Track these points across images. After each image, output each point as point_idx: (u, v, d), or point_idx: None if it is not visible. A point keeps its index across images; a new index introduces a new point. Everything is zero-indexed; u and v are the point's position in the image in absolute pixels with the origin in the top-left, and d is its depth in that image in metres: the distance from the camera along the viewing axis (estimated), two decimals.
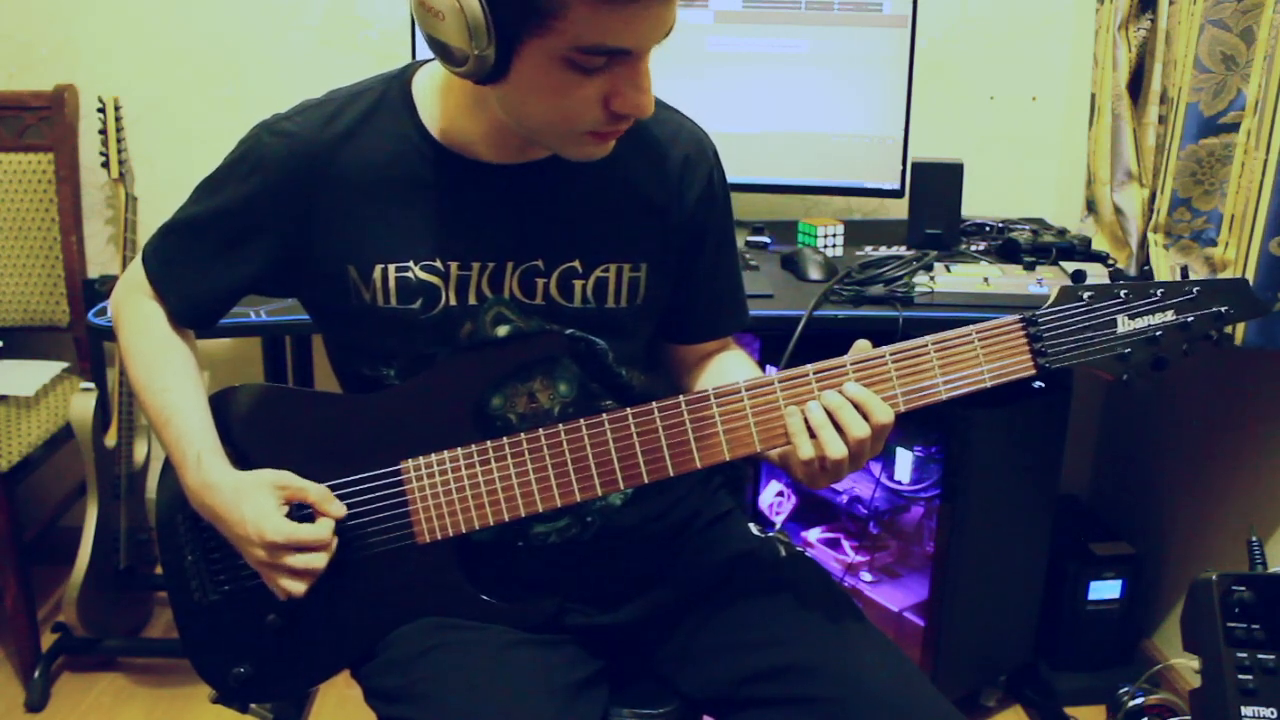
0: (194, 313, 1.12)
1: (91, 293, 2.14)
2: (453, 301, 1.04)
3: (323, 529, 1.01)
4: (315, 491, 1.03)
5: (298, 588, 1.01)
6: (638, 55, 0.90)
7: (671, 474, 1.02)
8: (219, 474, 1.03)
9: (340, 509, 1.04)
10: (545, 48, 0.87)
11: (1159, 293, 1.00)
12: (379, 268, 1.03)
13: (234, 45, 2.17)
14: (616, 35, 0.86)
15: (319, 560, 1.01)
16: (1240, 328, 1.56)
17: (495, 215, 1.04)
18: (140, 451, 2.13)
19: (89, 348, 2.16)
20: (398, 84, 1.05)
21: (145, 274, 1.12)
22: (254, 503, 1.01)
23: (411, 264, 1.03)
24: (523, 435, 1.04)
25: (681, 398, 1.01)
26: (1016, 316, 1.00)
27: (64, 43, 2.16)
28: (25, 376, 2.10)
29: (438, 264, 1.03)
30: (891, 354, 1.00)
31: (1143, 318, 1.00)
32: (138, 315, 1.12)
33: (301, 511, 1.03)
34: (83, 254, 2.16)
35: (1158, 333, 1.00)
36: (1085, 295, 1.00)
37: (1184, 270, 1.06)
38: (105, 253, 2.25)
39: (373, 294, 1.04)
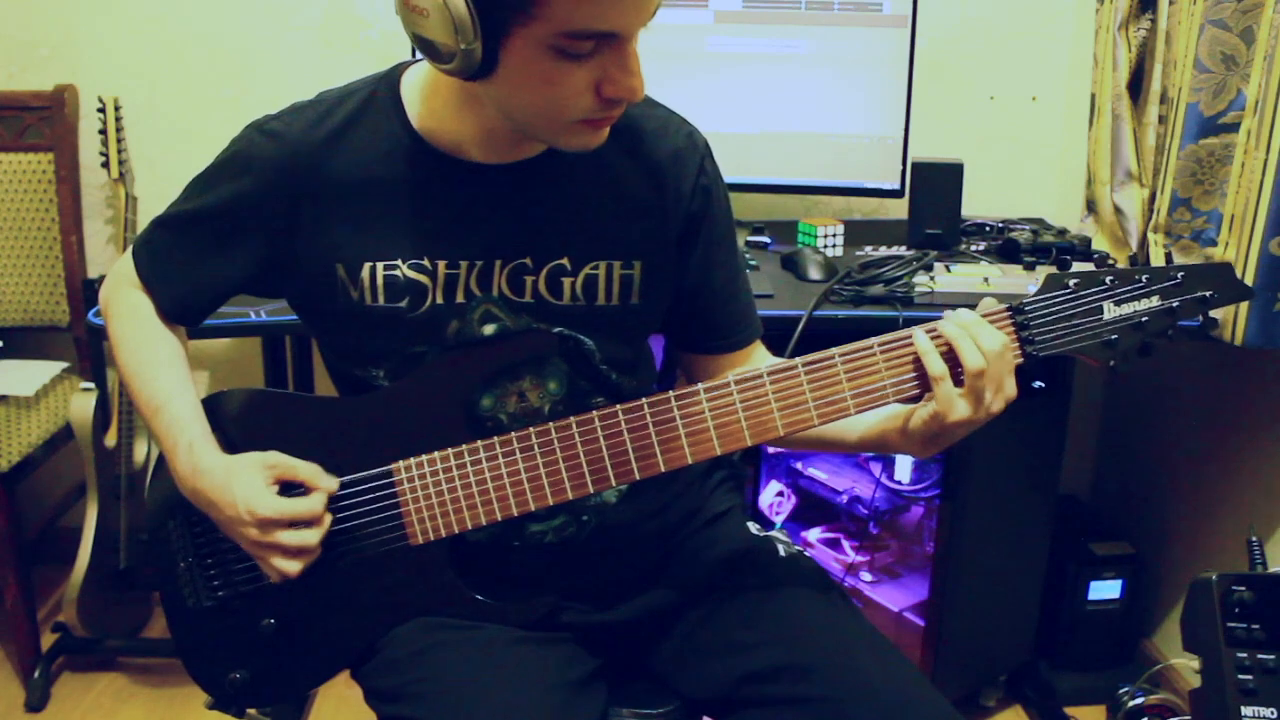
0: (181, 309, 1.12)
1: (91, 293, 2.14)
2: (440, 300, 1.04)
3: (315, 502, 1.01)
4: (305, 469, 1.03)
5: (292, 567, 1.01)
6: (625, 38, 0.89)
7: (663, 469, 1.02)
8: (209, 459, 1.03)
9: (332, 482, 1.04)
10: (531, 37, 0.86)
11: (1144, 279, 1.01)
12: (367, 266, 1.03)
13: (234, 45, 2.17)
14: (601, 18, 0.86)
15: (312, 536, 1.00)
16: (1240, 328, 1.56)
17: (483, 214, 1.04)
18: (140, 451, 2.13)
19: (89, 348, 2.16)
20: (386, 84, 1.05)
21: (134, 267, 1.12)
22: (244, 482, 1.01)
23: (399, 263, 1.03)
24: (513, 434, 1.04)
25: (671, 393, 1.01)
26: (1004, 306, 1.01)
27: (64, 43, 2.16)
28: (25, 376, 2.10)
29: (425, 263, 1.04)
30: (880, 345, 1.00)
31: (1128, 304, 1.01)
32: (127, 307, 1.13)
33: (293, 490, 1.03)
34: (83, 254, 2.16)
35: (1144, 318, 1.01)
36: (1071, 282, 1.00)
37: (1168, 256, 1.07)
38: (105, 253, 2.25)
39: (361, 293, 1.04)
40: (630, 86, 0.91)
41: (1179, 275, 1.01)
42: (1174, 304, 1.01)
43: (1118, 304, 1.01)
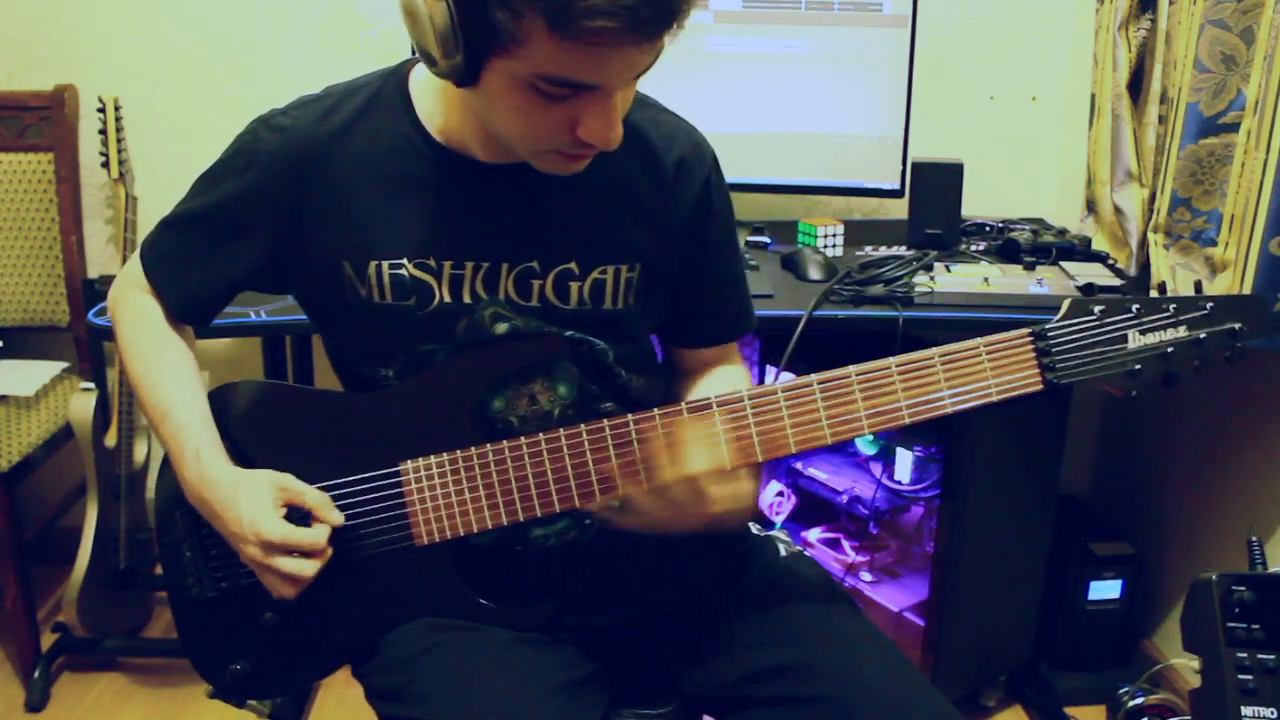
0: (190, 308, 1.12)
1: (91, 293, 2.14)
2: (446, 299, 1.04)
3: (318, 535, 1.01)
4: (314, 497, 1.03)
5: (287, 591, 1.01)
6: (605, 90, 0.89)
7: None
8: (217, 468, 1.03)
9: (338, 517, 1.03)
10: (509, 69, 0.87)
11: (1172, 308, 0.98)
12: (373, 263, 1.03)
13: (234, 45, 2.17)
14: (580, 71, 0.86)
15: (309, 568, 1.00)
16: None
17: (490, 215, 1.04)
18: (140, 451, 2.13)
19: (89, 348, 2.16)
20: (394, 80, 1.05)
21: (142, 269, 1.12)
22: (251, 499, 1.00)
23: (405, 260, 1.03)
24: (522, 439, 1.04)
25: (684, 404, 1.01)
26: (1025, 330, 0.98)
27: (64, 43, 2.16)
28: (25, 376, 2.10)
29: (431, 262, 1.03)
30: (897, 365, 0.99)
31: (1155, 333, 0.98)
32: (135, 311, 1.13)
33: (299, 515, 1.03)
34: (83, 254, 2.16)
35: (1169, 349, 0.98)
36: (1096, 309, 0.98)
37: (1198, 285, 1.04)
38: (105, 253, 2.25)
39: (368, 290, 1.04)
40: (603, 136, 0.91)
41: (1208, 305, 0.98)
42: (1201, 335, 0.98)
43: (1143, 333, 0.98)
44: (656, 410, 1.01)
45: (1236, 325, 0.99)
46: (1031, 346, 0.98)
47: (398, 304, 1.04)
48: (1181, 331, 0.98)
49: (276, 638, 1.10)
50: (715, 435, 0.99)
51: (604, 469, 1.00)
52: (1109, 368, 0.99)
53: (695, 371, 1.19)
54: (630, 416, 1.01)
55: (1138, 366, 0.98)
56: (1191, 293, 1.01)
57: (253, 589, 1.08)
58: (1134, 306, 0.99)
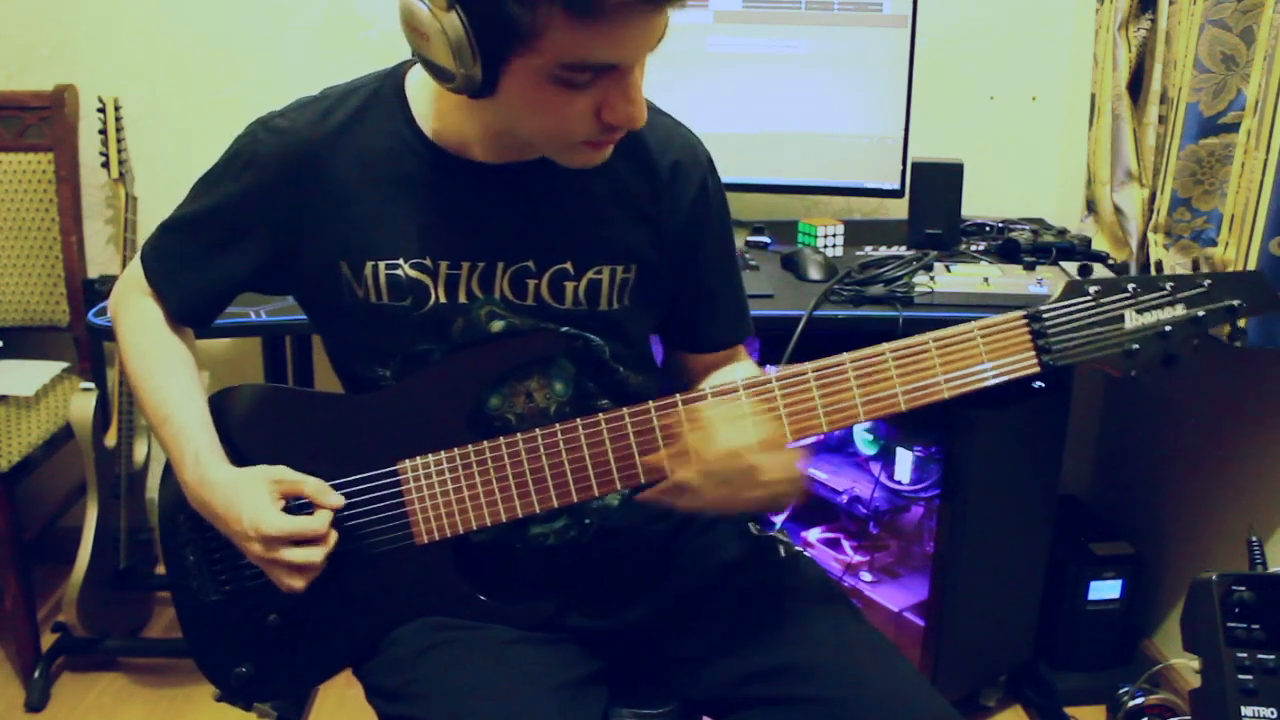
0: (191, 310, 1.13)
1: (91, 293, 2.14)
2: (442, 299, 1.04)
3: (319, 521, 1.01)
4: (311, 485, 1.03)
5: (297, 583, 1.01)
6: (626, 68, 0.90)
7: (669, 473, 1.02)
8: (216, 471, 1.04)
9: (338, 500, 1.04)
10: (530, 66, 0.87)
11: (1169, 286, 0.97)
12: (370, 264, 1.04)
13: (234, 45, 2.17)
14: (600, 51, 0.86)
15: (316, 554, 1.00)
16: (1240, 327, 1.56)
17: (486, 215, 1.04)
18: (140, 451, 2.13)
19: (89, 348, 2.16)
20: (391, 82, 1.06)
21: (143, 271, 1.13)
22: (250, 497, 1.01)
23: (401, 261, 1.03)
24: (519, 436, 1.04)
25: (678, 396, 1.01)
26: (1020, 312, 0.98)
27: (64, 43, 2.16)
28: (25, 376, 2.10)
29: (427, 262, 1.04)
30: (892, 351, 0.99)
31: (1151, 312, 0.98)
32: (136, 314, 1.13)
33: (300, 506, 1.03)
34: (83, 254, 2.16)
35: (1167, 328, 0.97)
36: (1092, 290, 0.98)
37: (1195, 264, 1.04)
38: (105, 253, 2.25)
39: (365, 290, 1.04)
40: (630, 115, 0.92)
41: (1205, 283, 0.98)
42: (1199, 313, 0.97)
43: (1140, 312, 0.97)
44: (679, 395, 1.01)
45: (1235, 302, 0.98)
46: (1027, 329, 0.98)
47: (394, 304, 1.04)
48: (1179, 310, 0.98)
49: (280, 640, 1.10)
50: (751, 413, 0.98)
51: (651, 461, 1.00)
52: (1106, 348, 0.98)
53: (700, 374, 1.19)
54: (625, 410, 1.01)
55: (1135, 346, 0.98)
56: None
57: (256, 591, 1.09)
58: (1130, 286, 0.98)
